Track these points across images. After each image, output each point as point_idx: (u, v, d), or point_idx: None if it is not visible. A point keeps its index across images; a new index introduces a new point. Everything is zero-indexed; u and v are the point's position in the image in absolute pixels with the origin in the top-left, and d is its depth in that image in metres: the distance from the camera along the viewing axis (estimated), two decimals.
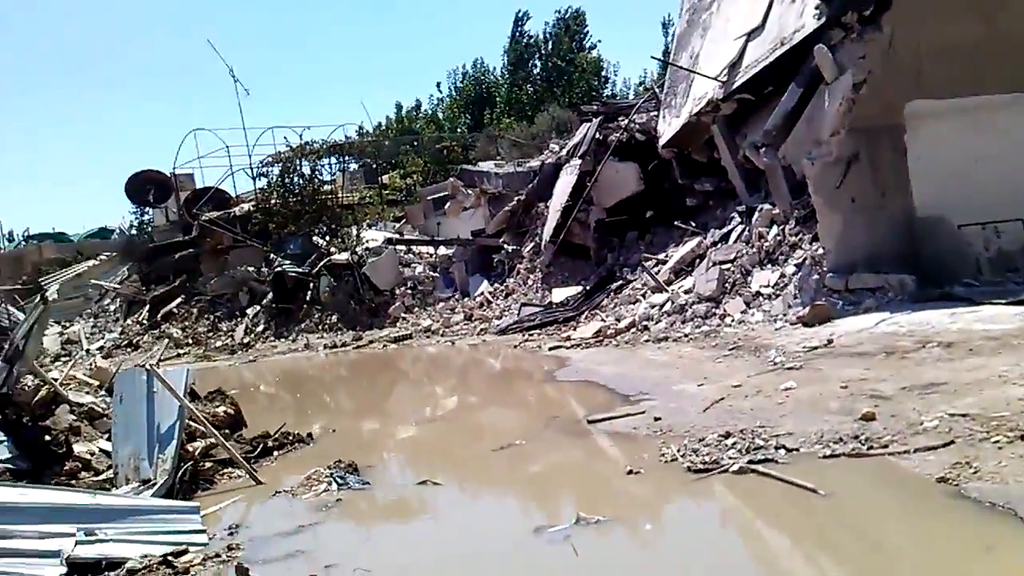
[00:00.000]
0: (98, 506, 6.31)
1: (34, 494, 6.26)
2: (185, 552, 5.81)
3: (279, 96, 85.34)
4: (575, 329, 16.88)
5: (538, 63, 38.85)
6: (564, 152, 22.43)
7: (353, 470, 7.64)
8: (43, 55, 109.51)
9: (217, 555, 5.71)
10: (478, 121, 36.27)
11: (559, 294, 19.86)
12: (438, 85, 41.06)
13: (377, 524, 6.63)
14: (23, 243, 52.84)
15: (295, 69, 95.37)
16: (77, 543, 5.75)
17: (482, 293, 22.17)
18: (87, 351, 29.33)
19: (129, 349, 28.05)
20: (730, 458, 6.36)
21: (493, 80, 39.30)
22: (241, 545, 5.97)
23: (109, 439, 8.64)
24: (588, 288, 19.28)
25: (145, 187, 33.53)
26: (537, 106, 34.25)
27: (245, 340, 25.03)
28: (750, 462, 6.19)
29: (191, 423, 8.53)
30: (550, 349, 15.33)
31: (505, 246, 22.58)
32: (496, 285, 22.23)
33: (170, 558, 5.63)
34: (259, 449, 9.18)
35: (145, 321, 29.53)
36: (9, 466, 7.99)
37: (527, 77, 37.81)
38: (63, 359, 29.25)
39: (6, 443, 8.22)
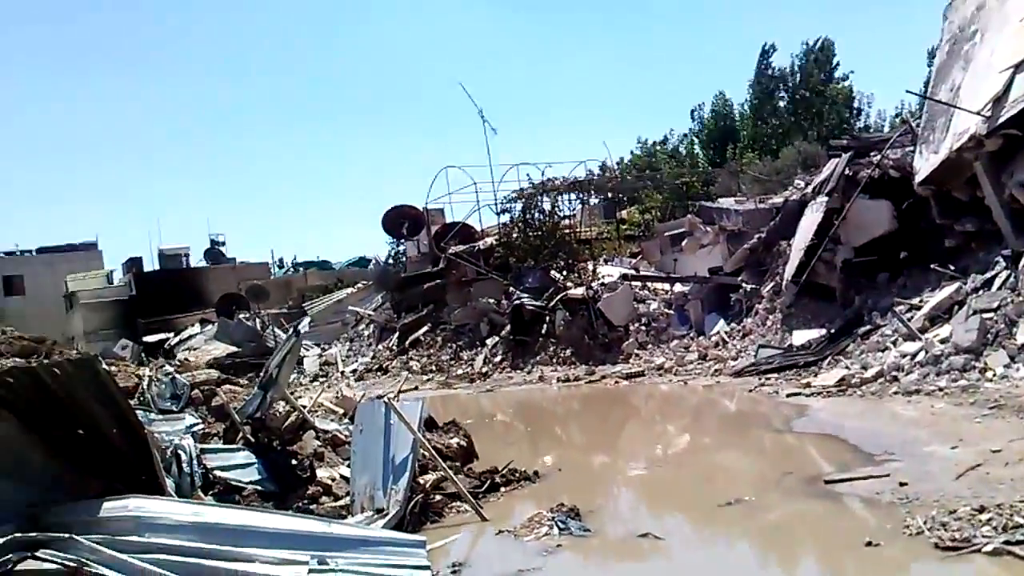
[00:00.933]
0: (331, 535, 6.61)
1: (274, 519, 6.66)
2: None
3: (524, 134, 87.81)
4: (816, 375, 16.07)
5: (784, 96, 37.69)
6: (810, 188, 21.51)
7: (575, 515, 7.62)
8: (313, 97, 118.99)
9: None
10: (720, 156, 35.62)
11: (799, 337, 18.99)
12: (692, 113, 40.42)
13: (597, 572, 6.51)
14: (291, 270, 57.42)
15: (541, 107, 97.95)
16: (310, 571, 6.04)
17: (718, 332, 21.62)
18: (342, 373, 31.35)
19: (379, 373, 29.67)
20: (984, 536, 5.77)
21: (737, 114, 38.53)
22: None
23: (349, 466, 9.09)
24: (832, 332, 18.29)
25: (400, 221, 35.54)
26: (782, 140, 33.21)
27: (484, 369, 25.76)
28: (1007, 542, 5.58)
29: (424, 454, 8.82)
30: (788, 395, 14.68)
31: (743, 285, 21.93)
32: (733, 325, 21.61)
33: None
34: (487, 485, 9.36)
35: (394, 347, 31.11)
36: (258, 488, 8.58)
37: (772, 111, 36.77)
38: (320, 379, 31.48)
39: (257, 465, 8.85)
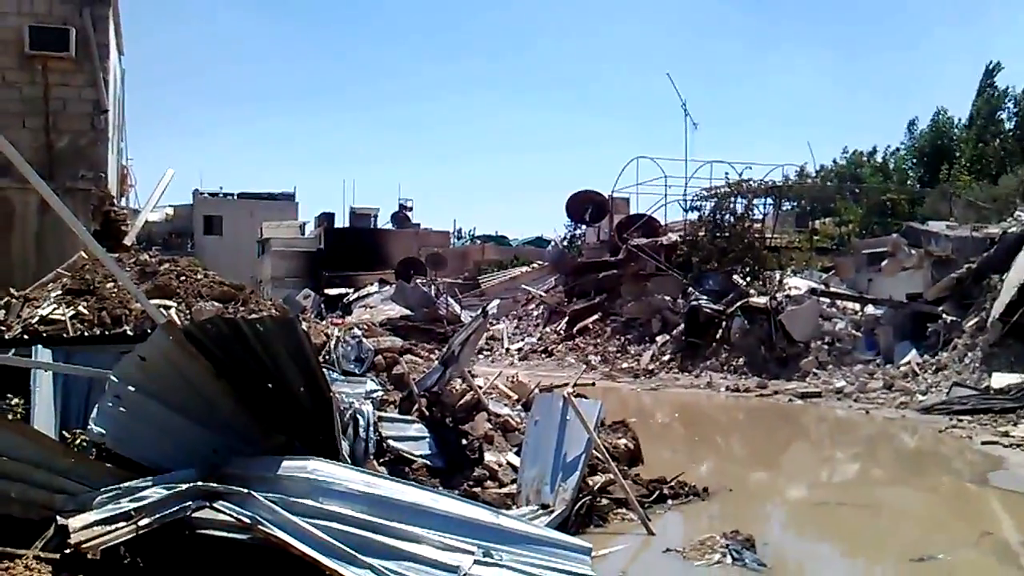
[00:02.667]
0: (499, 526, 6.47)
1: (444, 502, 6.58)
2: None
3: (724, 130, 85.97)
4: (1015, 425, 14.80)
5: (1011, 118, 34.91)
6: None
7: (751, 546, 7.19)
8: (512, 72, 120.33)
9: None
10: (932, 176, 33.34)
11: (1000, 380, 17.57)
12: (909, 126, 37.94)
13: None
14: (470, 241, 58.39)
15: (745, 105, 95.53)
16: (475, 562, 5.92)
17: (908, 363, 20.30)
18: (507, 350, 31.60)
19: (544, 355, 29.71)
20: None
21: (955, 133, 35.97)
22: None
23: (517, 453, 8.97)
24: None
25: (584, 206, 35.39)
26: (1004, 165, 30.77)
27: (650, 367, 25.31)
28: None
29: (595, 455, 8.58)
30: (983, 443, 13.56)
31: (944, 316, 20.47)
32: (926, 357, 20.24)
33: None
34: (655, 495, 9.04)
35: (562, 331, 31.06)
36: (428, 462, 8.58)
37: (996, 132, 34.13)
38: (485, 353, 31.83)
39: (429, 440, 8.85)
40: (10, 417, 7.04)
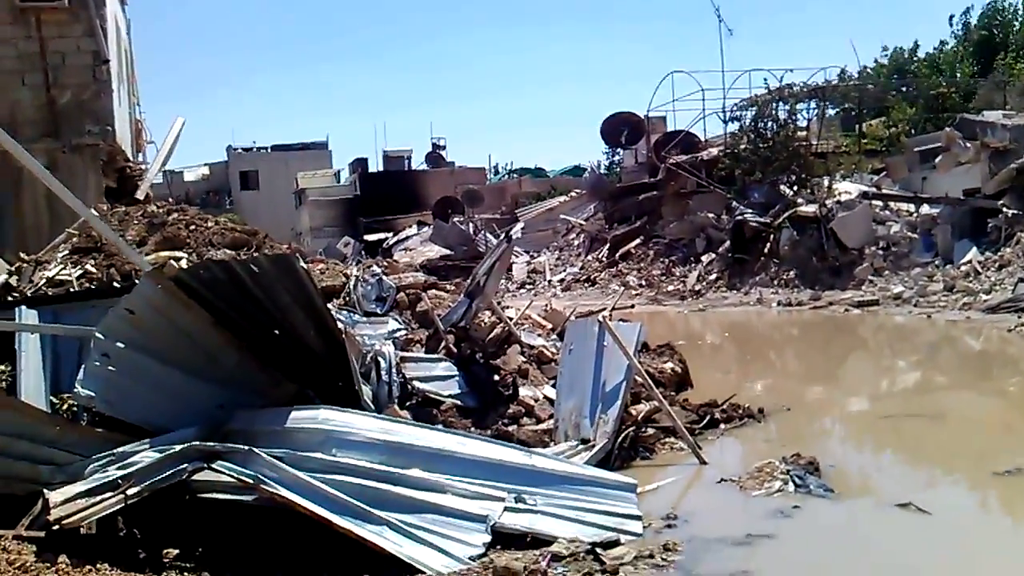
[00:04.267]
0: (532, 468, 5.87)
1: (472, 445, 5.99)
2: (616, 544, 5.13)
3: (762, 36, 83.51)
4: None
5: None
6: None
7: (815, 469, 6.47)
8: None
9: (651, 555, 4.94)
10: (985, 67, 31.43)
11: None
12: (950, 19, 35.90)
13: (847, 553, 5.26)
14: (506, 176, 57.43)
15: (782, 8, 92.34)
16: (506, 509, 5.33)
17: (969, 262, 19.20)
18: (549, 282, 30.95)
19: (587, 284, 29.00)
20: None
21: (1009, 18, 33.83)
22: (679, 546, 5.13)
23: (554, 386, 8.33)
24: None
25: (619, 129, 34.22)
26: None
27: (697, 287, 24.48)
28: None
29: (637, 382, 7.89)
30: None
31: (1005, 209, 19.28)
32: (987, 254, 19.11)
33: (598, 550, 4.97)
34: (705, 420, 8.34)
35: (604, 259, 30.29)
36: (457, 402, 7.98)
37: None
38: (527, 286, 31.22)
39: (458, 378, 8.24)
40: None
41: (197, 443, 5.52)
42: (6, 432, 5.38)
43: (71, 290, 9.04)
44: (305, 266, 6.49)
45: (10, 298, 8.07)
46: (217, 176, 61.76)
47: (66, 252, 10.65)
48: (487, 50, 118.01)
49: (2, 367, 6.76)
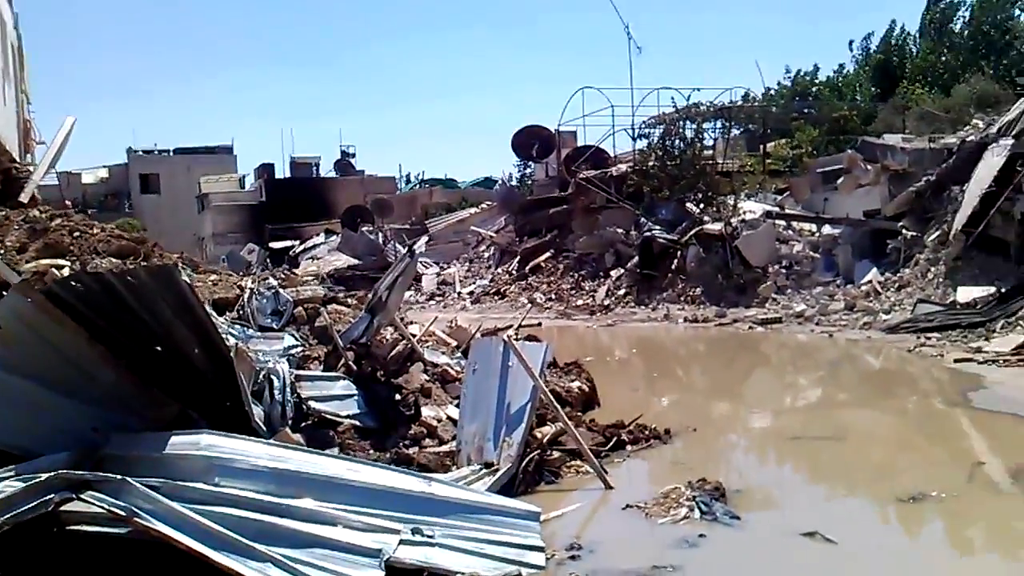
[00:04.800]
0: (431, 496, 5.56)
1: (366, 472, 5.65)
2: None
3: (670, 55, 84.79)
4: (987, 340, 14.18)
5: (961, 27, 34.01)
6: (994, 129, 19.08)
7: (720, 495, 6.33)
8: (448, 6, 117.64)
9: None
10: (885, 92, 32.39)
11: (965, 294, 16.98)
12: (850, 44, 37.09)
13: None
14: (417, 186, 56.95)
15: (689, 28, 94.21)
16: (401, 542, 5.01)
17: (870, 282, 19.63)
18: (459, 294, 30.66)
19: (496, 297, 28.80)
20: None
21: (906, 45, 35.01)
22: None
23: (458, 406, 8.03)
24: (1003, 291, 16.26)
25: (530, 142, 34.20)
26: (956, 76, 29.94)
27: (606, 302, 24.50)
28: None
29: (543, 402, 7.65)
30: (956, 361, 12.88)
31: (904, 231, 19.78)
32: (887, 275, 19.56)
33: None
34: (612, 442, 8.16)
35: (514, 272, 30.14)
36: (356, 423, 7.63)
37: (948, 43, 33.21)
38: (437, 298, 30.87)
39: (357, 397, 7.88)
40: None
41: (65, 472, 5.04)
42: None
43: None
44: (187, 279, 6.06)
45: None
46: (116, 178, 59.72)
47: None
48: (399, 58, 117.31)
49: None
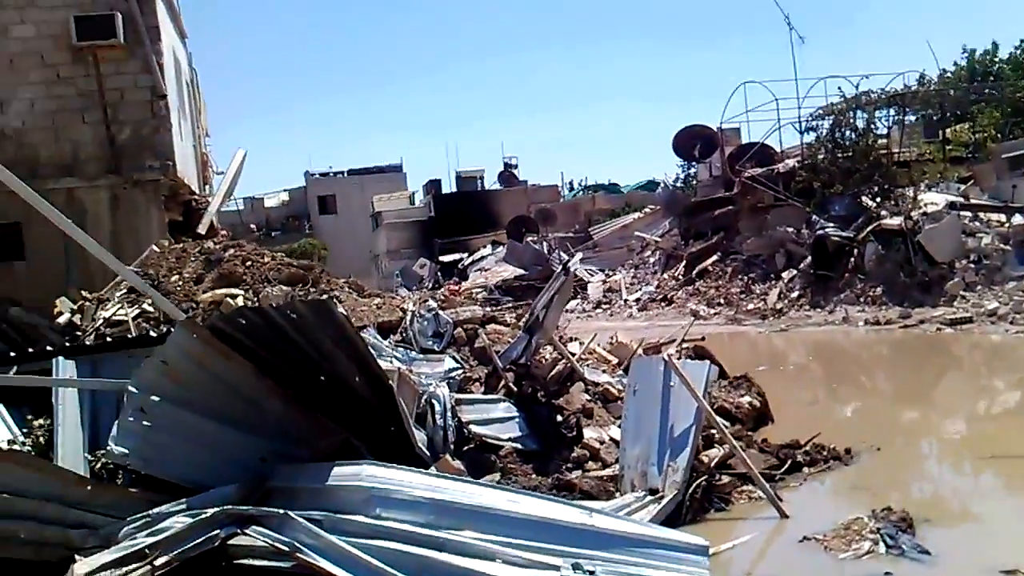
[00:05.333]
0: (592, 528, 5.35)
1: (526, 503, 5.50)
2: None
3: (835, 43, 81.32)
4: None
5: None
6: None
7: (908, 526, 5.81)
8: (605, 14, 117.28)
9: None
10: None
11: None
12: None
13: None
14: (580, 193, 56.87)
15: (854, 12, 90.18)
16: None
17: None
18: (625, 301, 30.30)
19: (663, 303, 28.26)
20: None
21: None
22: None
23: (620, 427, 7.80)
24: None
25: (692, 142, 33.46)
26: None
27: (778, 306, 23.56)
28: None
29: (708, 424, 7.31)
30: None
31: None
32: None
33: None
34: (787, 465, 7.69)
35: (680, 276, 29.51)
36: (518, 446, 7.52)
37: None
38: (603, 306, 30.62)
39: (518, 420, 7.78)
40: (28, 442, 6.33)
41: (230, 507, 5.16)
42: (33, 495, 5.11)
43: (109, 336, 8.91)
44: (345, 312, 6.10)
45: (48, 348, 7.82)
46: (296, 201, 62.69)
47: (124, 291, 10.56)
48: (558, 66, 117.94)
49: (40, 421, 6.55)
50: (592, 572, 4.98)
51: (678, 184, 39.99)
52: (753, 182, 27.87)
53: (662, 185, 41.34)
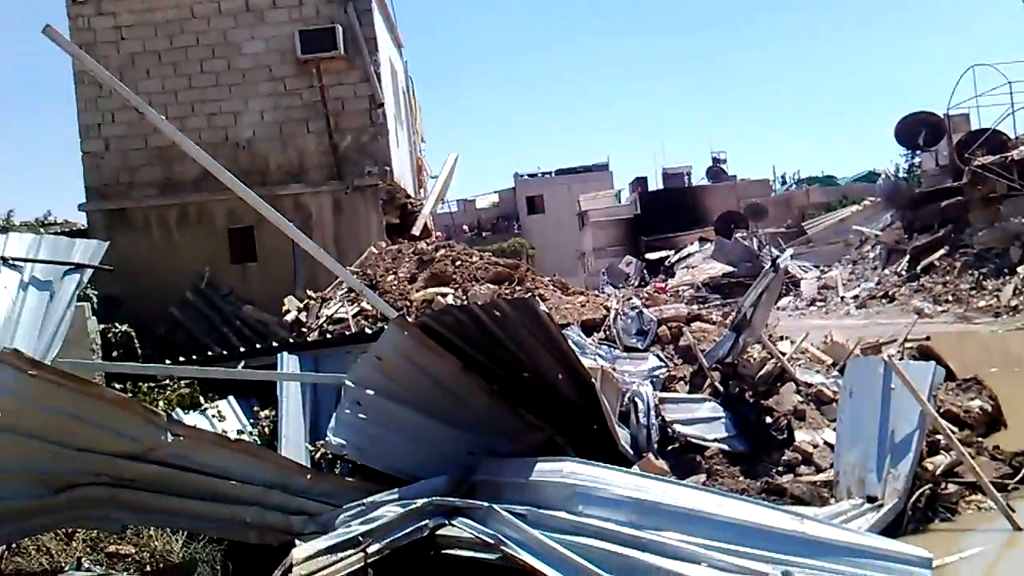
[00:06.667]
0: (803, 535, 5.14)
1: (731, 506, 5.35)
2: None
3: None
4: None
5: None
6: None
7: None
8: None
9: None
10: None
11: None
12: None
13: None
14: (792, 187, 54.91)
15: None
16: None
17: None
18: (841, 298, 28.92)
19: (884, 300, 26.77)
20: None
21: None
22: None
23: (835, 430, 7.44)
24: None
25: (916, 130, 31.46)
26: None
27: (1013, 303, 21.74)
28: None
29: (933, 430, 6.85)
30: None
31: None
32: None
33: None
34: (1021, 473, 7.08)
35: (903, 272, 27.85)
36: (724, 447, 7.34)
37: None
38: (818, 304, 29.37)
39: (724, 420, 7.59)
40: (255, 432, 6.79)
41: (438, 499, 5.35)
42: (259, 483, 5.48)
43: (330, 333, 9.40)
44: (547, 310, 6.16)
45: (273, 344, 8.37)
46: (506, 202, 64.22)
47: (345, 290, 11.15)
48: (766, 53, 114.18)
49: (266, 412, 7.02)
50: None
51: (901, 175, 37.78)
52: (984, 171, 25.88)
53: (883, 176, 39.13)
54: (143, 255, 14.17)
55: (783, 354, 8.36)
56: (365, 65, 14.51)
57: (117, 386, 7.26)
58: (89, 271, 6.50)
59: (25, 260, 6.42)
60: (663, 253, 43.82)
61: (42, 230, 13.96)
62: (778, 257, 9.09)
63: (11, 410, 4.83)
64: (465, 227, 57.72)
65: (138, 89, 12.45)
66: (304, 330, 11.12)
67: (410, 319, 6.93)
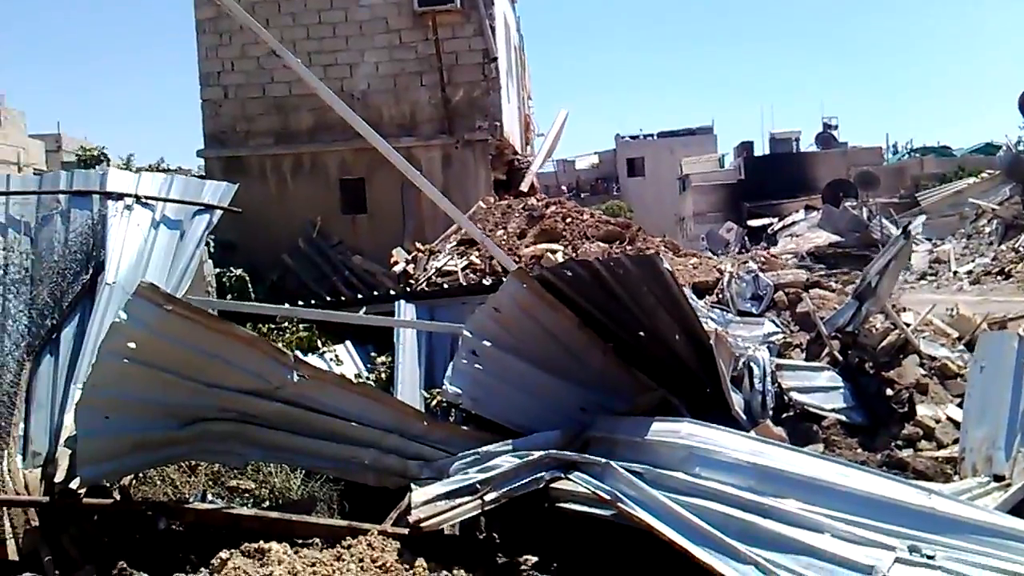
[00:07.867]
0: (931, 511, 4.95)
1: (856, 477, 5.19)
2: None
3: None
4: None
5: None
6: None
7: None
8: None
9: None
10: None
11: None
12: None
13: None
14: (906, 156, 52.95)
15: None
16: (896, 560, 4.51)
17: None
18: (954, 273, 27.86)
19: (1000, 277, 25.67)
20: None
21: None
22: None
23: (960, 406, 7.17)
24: None
25: None
26: None
27: None
28: None
29: None
30: None
31: None
32: None
33: None
34: None
35: (1021, 248, 26.65)
36: (842, 418, 7.14)
37: None
38: (929, 278, 28.36)
39: (843, 390, 7.38)
40: (372, 377, 6.88)
41: (554, 452, 5.34)
42: (378, 426, 5.56)
43: (439, 285, 9.45)
44: (670, 268, 6.05)
45: (391, 292, 8.46)
46: (606, 164, 63.65)
47: (454, 244, 11.20)
48: (883, 18, 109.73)
49: (383, 358, 7.11)
50: (932, 557, 4.60)
51: (1022, 147, 36.05)
52: None
53: (1004, 148, 37.38)
54: (257, 203, 14.47)
55: (907, 325, 8.06)
56: (480, 19, 14.45)
57: None
58: (218, 212, 6.63)
59: (157, 199, 6.57)
60: (766, 220, 42.80)
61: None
62: (909, 224, 8.74)
63: (146, 343, 4.97)
64: (564, 187, 57.49)
65: (257, 39, 12.65)
66: (412, 282, 11.25)
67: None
